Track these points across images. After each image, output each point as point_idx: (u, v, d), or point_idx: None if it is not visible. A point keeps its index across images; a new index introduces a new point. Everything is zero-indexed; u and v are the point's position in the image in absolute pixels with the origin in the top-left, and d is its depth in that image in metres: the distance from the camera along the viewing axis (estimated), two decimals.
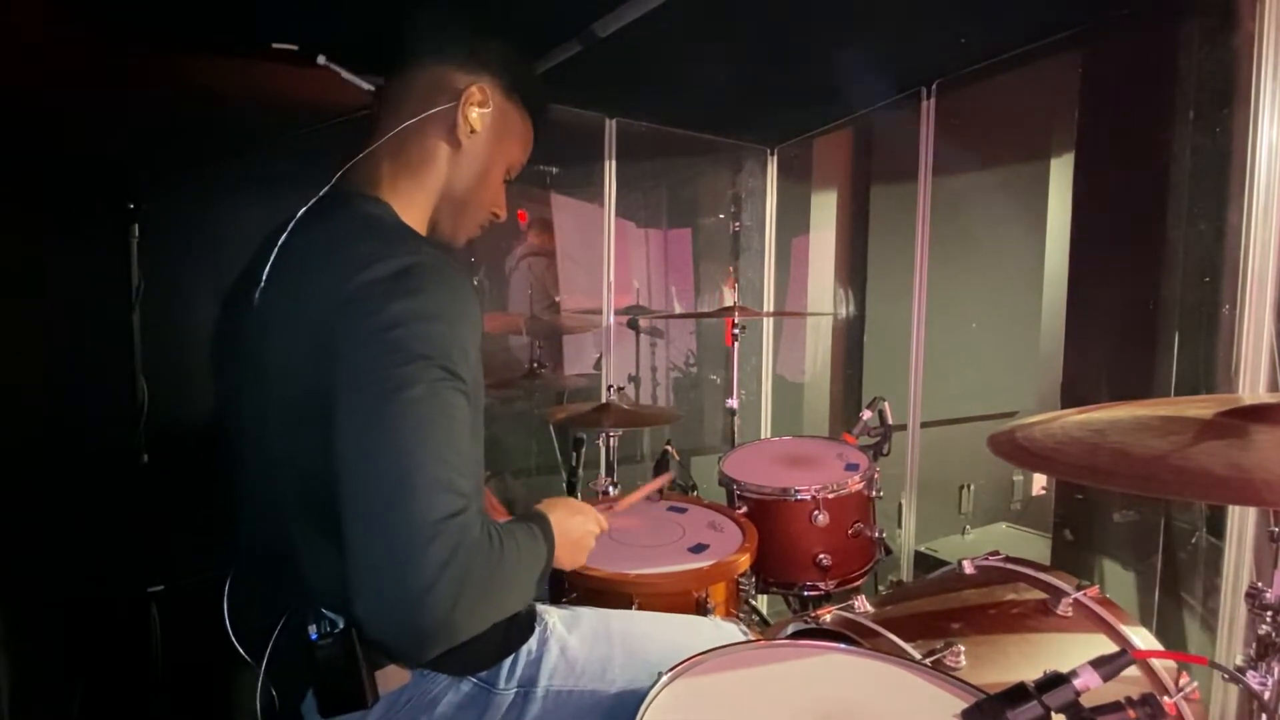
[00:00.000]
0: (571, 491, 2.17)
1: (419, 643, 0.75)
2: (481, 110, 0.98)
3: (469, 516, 0.76)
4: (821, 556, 1.72)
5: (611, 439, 2.10)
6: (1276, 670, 0.86)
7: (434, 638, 0.75)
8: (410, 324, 0.77)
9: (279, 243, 0.89)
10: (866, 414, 1.88)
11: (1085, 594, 1.23)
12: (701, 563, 1.41)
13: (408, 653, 0.82)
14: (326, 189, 0.95)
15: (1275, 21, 1.50)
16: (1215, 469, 0.72)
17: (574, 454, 2.13)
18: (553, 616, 1.07)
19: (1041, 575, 1.31)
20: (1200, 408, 0.88)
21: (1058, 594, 1.23)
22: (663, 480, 1.56)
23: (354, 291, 0.79)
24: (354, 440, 0.76)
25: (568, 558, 1.02)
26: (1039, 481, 3.00)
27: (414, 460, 0.74)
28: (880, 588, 2.08)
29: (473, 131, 0.98)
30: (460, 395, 0.79)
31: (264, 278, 0.88)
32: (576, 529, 1.04)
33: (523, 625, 1.01)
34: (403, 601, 0.72)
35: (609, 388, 2.42)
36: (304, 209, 0.91)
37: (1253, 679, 0.87)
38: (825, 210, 3.20)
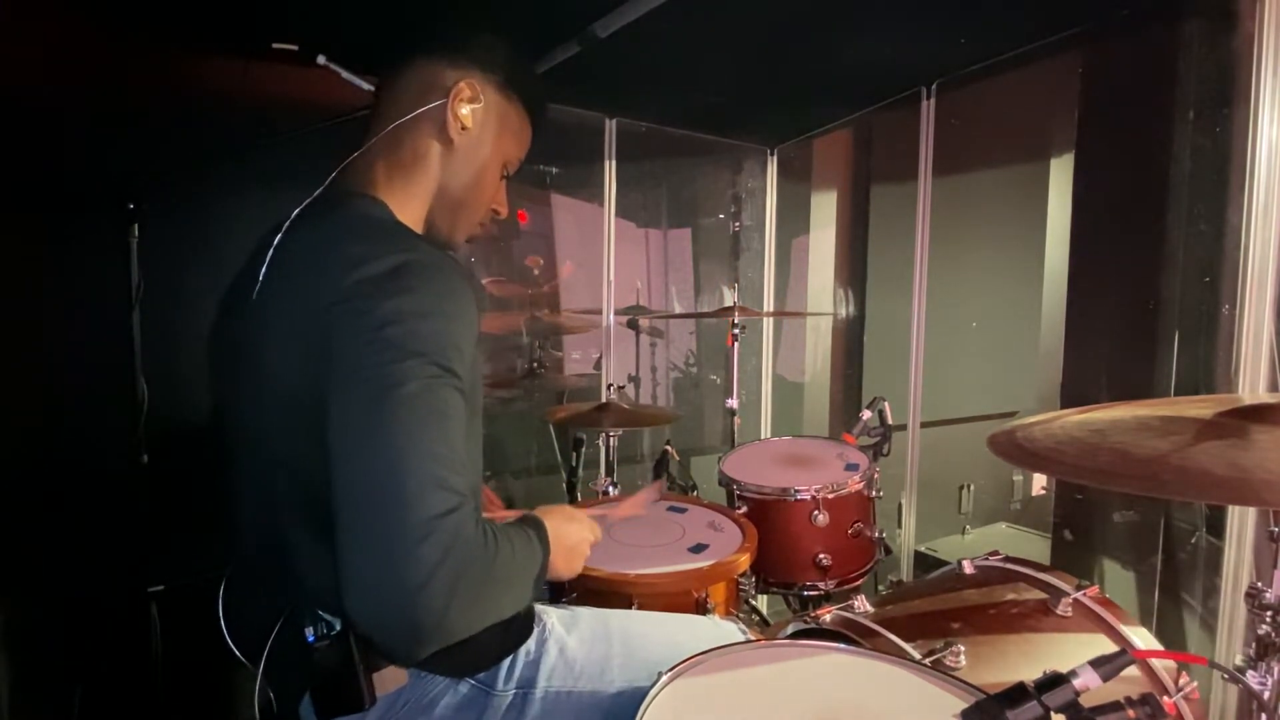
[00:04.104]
0: (571, 491, 2.17)
1: (412, 641, 0.74)
2: (472, 106, 0.97)
3: (463, 514, 0.75)
4: (821, 556, 1.72)
5: (611, 439, 2.10)
6: (1276, 670, 0.86)
7: (427, 636, 0.74)
8: (404, 321, 0.76)
9: (274, 243, 0.89)
10: (866, 414, 1.88)
11: (1085, 594, 1.23)
12: (701, 563, 1.41)
13: (400, 651, 0.81)
14: (321, 189, 0.94)
15: (1275, 21, 1.50)
16: (1215, 469, 0.72)
17: (574, 454, 2.13)
18: (551, 617, 1.07)
19: (1041, 575, 1.30)
20: (1200, 408, 0.88)
21: (1057, 594, 1.23)
22: (654, 490, 1.53)
23: (347, 290, 0.78)
24: (347, 438, 0.75)
25: (563, 564, 1.00)
26: (1039, 481, 3.00)
27: (407, 457, 0.73)
28: (880, 588, 2.08)
29: (464, 128, 0.97)
30: (456, 392, 0.78)
31: (259, 278, 0.88)
32: (572, 535, 1.03)
33: (521, 626, 1.01)
34: (395, 599, 0.71)
35: (609, 388, 2.43)
36: (299, 209, 0.91)
37: (1253, 679, 0.87)
38: (825, 210, 3.20)
